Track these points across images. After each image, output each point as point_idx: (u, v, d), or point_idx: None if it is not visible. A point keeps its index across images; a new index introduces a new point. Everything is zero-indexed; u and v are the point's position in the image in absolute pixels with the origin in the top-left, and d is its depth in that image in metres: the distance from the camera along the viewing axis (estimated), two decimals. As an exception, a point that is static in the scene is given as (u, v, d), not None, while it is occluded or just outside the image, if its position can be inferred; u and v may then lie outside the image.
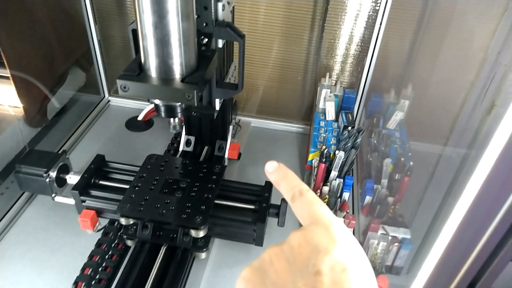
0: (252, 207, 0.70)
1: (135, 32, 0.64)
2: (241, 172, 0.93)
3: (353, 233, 0.72)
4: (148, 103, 1.10)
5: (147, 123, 1.08)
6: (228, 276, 0.73)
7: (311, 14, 0.97)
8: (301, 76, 1.07)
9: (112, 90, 1.16)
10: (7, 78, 0.92)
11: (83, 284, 0.64)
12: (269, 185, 0.72)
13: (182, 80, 0.57)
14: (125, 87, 0.57)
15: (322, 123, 0.92)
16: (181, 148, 0.89)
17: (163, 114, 0.62)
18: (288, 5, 0.96)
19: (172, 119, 0.65)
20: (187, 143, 0.89)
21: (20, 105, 0.94)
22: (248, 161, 0.96)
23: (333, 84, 0.98)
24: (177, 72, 0.57)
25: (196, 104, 0.57)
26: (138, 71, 0.58)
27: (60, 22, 1.04)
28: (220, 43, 0.67)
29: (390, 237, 0.67)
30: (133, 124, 1.08)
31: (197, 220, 0.64)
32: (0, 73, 0.93)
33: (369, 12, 0.92)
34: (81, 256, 0.74)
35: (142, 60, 0.58)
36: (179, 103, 0.62)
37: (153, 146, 1.00)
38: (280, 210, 0.68)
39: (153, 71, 0.57)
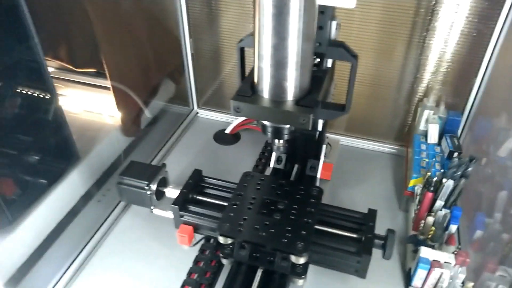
0: (355, 235, 0.66)
1: (243, 50, 0.64)
2: (333, 193, 0.89)
3: (465, 272, 0.66)
4: (235, 117, 1.10)
5: (235, 137, 1.08)
6: (323, 305, 0.70)
7: (409, 29, 0.91)
8: (394, 93, 1.01)
9: (200, 102, 1.18)
10: (107, 88, 0.96)
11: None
12: (372, 213, 0.68)
13: (297, 103, 0.55)
14: (238, 108, 0.55)
15: (423, 146, 0.86)
16: (271, 165, 0.87)
17: (269, 135, 0.61)
18: (384, 20, 0.91)
19: (277, 140, 0.63)
20: (278, 160, 0.87)
21: (118, 115, 0.98)
22: (339, 182, 0.92)
23: (435, 105, 0.91)
24: (291, 94, 0.55)
25: (310, 128, 0.54)
26: (251, 93, 0.57)
27: (157, 36, 1.08)
28: (329, 63, 0.64)
29: (514, 282, 0.60)
30: (221, 137, 1.08)
31: (298, 246, 0.61)
32: (101, 83, 0.98)
33: (481, 29, 0.84)
34: (176, 270, 0.74)
35: (255, 81, 0.56)
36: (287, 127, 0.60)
37: (241, 160, 0.99)
38: (387, 242, 0.63)
39: (266, 93, 0.56)
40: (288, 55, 0.52)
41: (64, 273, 0.75)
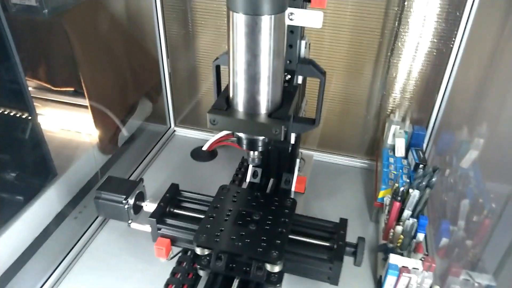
0: (327, 244, 0.69)
1: (218, 68, 0.67)
2: (306, 206, 0.92)
3: (432, 277, 0.69)
4: (212, 134, 1.12)
5: (212, 154, 1.11)
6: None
7: (376, 49, 0.97)
8: (364, 110, 1.06)
9: (178, 120, 1.20)
10: (85, 107, 0.97)
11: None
12: (343, 222, 0.71)
13: (269, 115, 0.58)
14: (214, 121, 0.58)
15: (391, 160, 0.91)
16: (248, 179, 0.90)
17: (244, 147, 0.64)
18: (352, 40, 0.97)
19: (252, 152, 0.66)
20: (254, 174, 0.89)
21: (95, 133, 1.00)
22: (312, 195, 0.95)
23: (401, 120, 0.96)
24: (264, 107, 0.59)
25: (282, 139, 0.57)
26: (226, 106, 0.60)
27: (135, 56, 1.11)
28: (300, 80, 0.68)
29: (476, 284, 0.64)
30: (198, 154, 1.10)
31: (273, 254, 0.64)
32: (79, 102, 0.99)
33: (441, 48, 0.91)
34: (152, 284, 0.75)
35: (230, 95, 0.60)
36: (262, 137, 0.63)
37: (218, 176, 1.01)
38: (357, 249, 0.66)
39: (240, 106, 0.59)
40: (260, 71, 0.55)
41: (40, 289, 0.74)
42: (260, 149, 0.64)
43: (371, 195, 0.96)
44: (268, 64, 0.55)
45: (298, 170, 0.91)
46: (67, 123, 1.01)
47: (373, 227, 0.89)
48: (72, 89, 0.98)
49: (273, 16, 0.52)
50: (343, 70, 1.02)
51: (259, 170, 0.89)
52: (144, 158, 1.07)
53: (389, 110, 1.02)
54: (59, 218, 0.86)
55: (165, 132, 1.17)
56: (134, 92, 1.12)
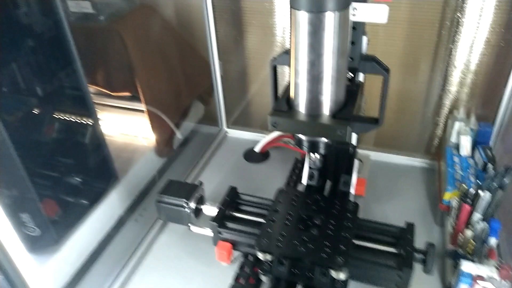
0: (394, 250, 0.66)
1: (275, 68, 0.66)
2: (366, 209, 0.89)
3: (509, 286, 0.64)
4: (263, 135, 1.12)
5: (264, 155, 1.10)
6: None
7: (435, 42, 0.92)
8: (422, 107, 1.02)
9: (229, 122, 1.20)
10: (141, 111, 1.00)
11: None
12: (410, 227, 0.68)
13: (333, 116, 0.56)
14: (275, 123, 0.57)
15: (456, 159, 0.86)
16: (304, 182, 0.88)
17: (306, 149, 0.62)
18: (409, 34, 0.92)
19: (313, 155, 0.64)
20: (311, 176, 0.87)
21: (152, 136, 1.02)
22: (371, 197, 0.91)
23: (466, 116, 0.91)
24: (327, 108, 0.57)
25: (347, 140, 0.55)
26: (287, 108, 0.58)
27: (187, 60, 1.12)
28: (362, 77, 0.66)
29: None
30: (250, 155, 1.10)
31: (337, 260, 0.62)
32: (136, 107, 1.02)
33: (509, 39, 0.85)
34: (214, 287, 0.75)
35: (291, 96, 0.58)
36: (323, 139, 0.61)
37: (272, 178, 1.00)
38: (427, 256, 0.63)
39: (302, 107, 0.57)
40: (324, 70, 0.54)
41: (106, 291, 0.76)
42: (322, 151, 0.62)
43: (434, 196, 0.92)
44: (332, 63, 0.53)
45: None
46: (124, 127, 1.04)
47: (439, 231, 0.84)
48: (128, 94, 1.00)
49: (337, 12, 0.50)
50: (400, 66, 0.97)
51: (316, 172, 0.87)
52: (199, 161, 1.07)
53: (451, 107, 0.97)
54: (121, 221, 0.88)
55: (218, 134, 1.18)
56: (187, 95, 1.13)
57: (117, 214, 0.87)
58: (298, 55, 0.54)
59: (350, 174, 0.85)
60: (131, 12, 0.98)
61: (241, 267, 0.72)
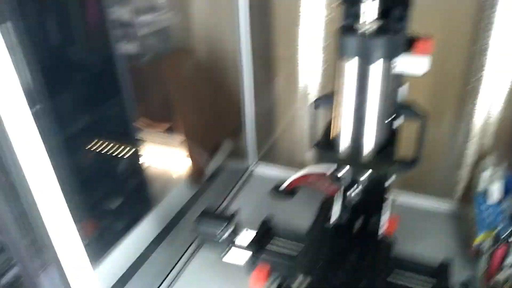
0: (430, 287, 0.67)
1: (317, 108, 0.70)
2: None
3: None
4: (292, 172, 1.14)
5: (291, 192, 1.12)
6: None
7: (459, 95, 0.97)
8: (448, 152, 1.04)
9: (257, 157, 1.24)
10: (176, 144, 1.04)
11: None
12: (444, 266, 0.69)
13: (376, 154, 0.60)
14: (320, 157, 0.60)
15: (485, 205, 0.87)
16: (333, 219, 0.89)
17: (343, 186, 0.65)
18: (435, 83, 0.97)
19: (350, 191, 0.67)
20: (341, 216, 0.89)
21: (184, 169, 1.05)
22: (397, 239, 0.92)
23: (494, 164, 0.93)
24: (369, 147, 0.60)
25: (389, 179, 0.58)
26: (330, 143, 0.62)
27: (219, 98, 1.18)
28: (400, 122, 0.70)
29: None
30: (277, 192, 1.12)
31: (373, 297, 0.63)
32: (172, 139, 1.06)
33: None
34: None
35: (334, 134, 0.62)
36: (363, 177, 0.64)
37: (299, 215, 1.01)
38: (463, 295, 0.64)
39: (345, 144, 0.61)
40: (367, 113, 0.58)
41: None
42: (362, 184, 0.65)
43: (461, 240, 0.92)
44: (375, 107, 0.57)
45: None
46: (159, 159, 1.08)
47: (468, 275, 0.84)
48: (167, 126, 1.05)
49: (383, 62, 0.55)
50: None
51: (346, 211, 0.89)
52: (227, 195, 1.10)
53: (478, 154, 1.00)
54: (152, 247, 0.90)
55: (246, 170, 1.21)
56: (219, 131, 1.18)
57: (149, 239, 0.89)
58: (343, 99, 0.58)
59: (380, 213, 0.86)
60: (171, 53, 1.06)
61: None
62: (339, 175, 0.65)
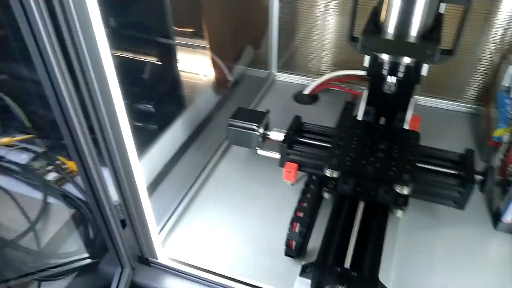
0: (455, 172, 0.71)
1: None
2: (416, 145, 0.94)
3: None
4: (313, 79, 1.16)
5: (313, 98, 1.15)
6: (418, 238, 0.76)
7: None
8: (469, 52, 1.04)
9: (278, 66, 1.24)
10: (202, 49, 1.04)
11: (298, 225, 0.71)
12: (470, 153, 0.73)
13: (422, 37, 0.61)
14: (366, 43, 0.62)
15: (508, 101, 0.90)
16: (360, 118, 0.92)
17: (385, 71, 0.67)
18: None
19: (389, 79, 0.69)
20: (367, 113, 0.92)
21: (211, 74, 1.06)
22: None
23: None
24: (416, 29, 0.61)
25: (436, 61, 0.60)
26: (377, 29, 0.63)
27: (247, 3, 1.15)
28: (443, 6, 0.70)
29: None
30: (300, 97, 1.15)
31: (404, 177, 0.67)
32: (198, 44, 1.05)
33: None
34: (277, 206, 0.82)
35: (382, 19, 0.62)
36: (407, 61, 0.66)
37: (322, 118, 1.04)
38: (487, 176, 0.69)
39: (392, 28, 0.62)
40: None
41: (176, 207, 0.82)
42: (400, 75, 0.66)
43: (480, 138, 0.97)
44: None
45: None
46: (187, 65, 1.08)
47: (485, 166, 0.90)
48: (193, 30, 1.04)
49: None
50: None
51: (372, 109, 0.92)
52: (251, 101, 1.12)
53: (502, 53, 1.00)
54: (184, 147, 0.95)
55: (268, 77, 1.23)
56: (243, 39, 1.17)
57: (181, 140, 0.94)
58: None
59: (405, 111, 0.89)
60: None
61: (307, 185, 0.78)
62: (382, 59, 0.66)
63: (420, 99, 1.10)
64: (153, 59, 0.87)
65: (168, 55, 0.87)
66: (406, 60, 0.65)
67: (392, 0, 0.59)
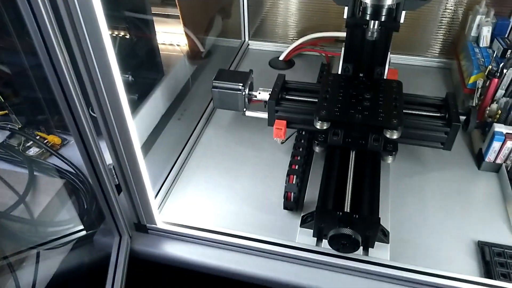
0: (439, 114, 0.74)
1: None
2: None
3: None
4: (287, 45, 1.16)
5: (289, 63, 1.15)
6: (408, 183, 0.79)
7: None
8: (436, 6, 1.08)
9: (251, 34, 1.23)
10: (176, 17, 1.01)
11: (295, 177, 0.71)
12: (451, 96, 0.76)
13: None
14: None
15: (477, 50, 0.94)
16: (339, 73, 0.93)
17: (368, 16, 0.68)
18: None
19: (372, 24, 0.69)
20: (345, 70, 0.93)
21: (184, 44, 1.04)
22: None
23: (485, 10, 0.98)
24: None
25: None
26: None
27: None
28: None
29: None
30: (275, 63, 1.15)
31: (393, 121, 0.69)
32: (171, 12, 1.02)
33: None
34: (268, 166, 0.82)
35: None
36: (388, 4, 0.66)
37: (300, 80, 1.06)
38: (470, 115, 0.72)
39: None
40: None
41: (167, 176, 0.80)
42: (382, 19, 0.68)
43: (453, 88, 1.01)
44: None
45: (386, 65, 0.95)
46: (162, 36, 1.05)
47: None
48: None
49: None
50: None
51: (350, 66, 0.93)
52: (228, 68, 1.11)
53: (468, 4, 1.04)
54: (167, 117, 0.93)
55: (241, 46, 1.21)
56: (212, 10, 1.15)
57: (161, 111, 0.92)
58: None
59: (383, 65, 0.91)
60: None
61: (299, 139, 0.79)
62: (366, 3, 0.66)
63: (391, 57, 1.12)
64: (127, 32, 0.83)
65: (143, 26, 0.84)
66: (388, 1, 0.66)
67: None
